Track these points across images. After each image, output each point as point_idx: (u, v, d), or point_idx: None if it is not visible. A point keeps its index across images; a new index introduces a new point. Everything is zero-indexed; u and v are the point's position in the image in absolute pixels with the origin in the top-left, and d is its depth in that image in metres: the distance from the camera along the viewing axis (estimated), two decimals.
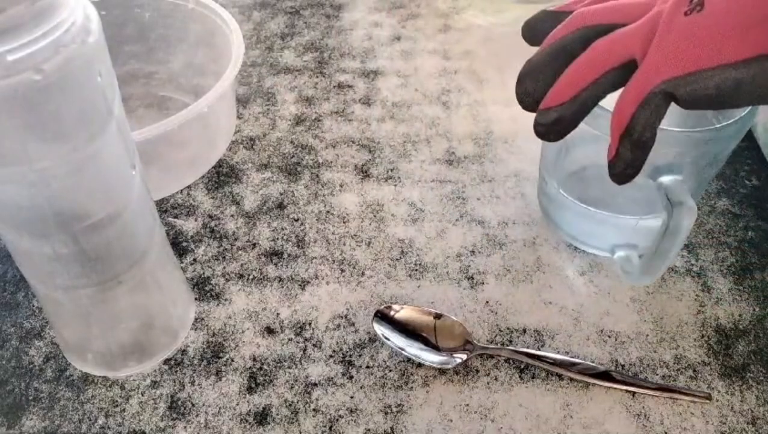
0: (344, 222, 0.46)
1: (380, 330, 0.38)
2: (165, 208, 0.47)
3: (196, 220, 0.46)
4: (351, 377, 0.38)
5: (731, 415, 0.36)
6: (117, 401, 0.37)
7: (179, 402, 0.37)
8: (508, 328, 0.40)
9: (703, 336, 0.39)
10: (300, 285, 0.42)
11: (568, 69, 0.32)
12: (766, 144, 0.50)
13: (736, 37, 0.27)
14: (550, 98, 0.32)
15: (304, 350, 0.39)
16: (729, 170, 0.50)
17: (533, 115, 0.33)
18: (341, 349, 0.39)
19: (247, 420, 0.36)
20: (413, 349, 0.38)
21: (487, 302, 0.41)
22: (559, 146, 0.41)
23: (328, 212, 0.47)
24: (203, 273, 0.43)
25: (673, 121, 0.35)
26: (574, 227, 0.44)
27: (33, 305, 0.41)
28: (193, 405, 0.36)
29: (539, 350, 0.39)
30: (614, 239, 0.42)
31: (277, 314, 0.41)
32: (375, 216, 0.47)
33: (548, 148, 0.43)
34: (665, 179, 0.35)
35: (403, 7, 0.68)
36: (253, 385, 0.37)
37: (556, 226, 0.45)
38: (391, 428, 0.35)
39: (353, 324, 0.40)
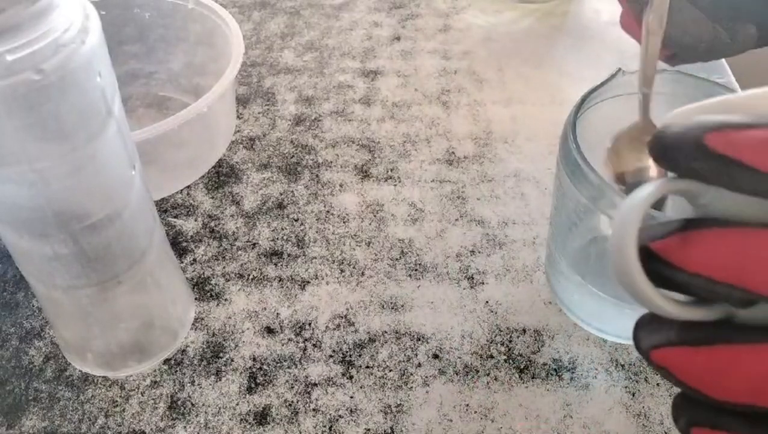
0: (344, 222, 0.46)
1: None
2: (165, 208, 0.47)
3: (196, 220, 0.46)
4: (351, 377, 0.38)
5: None
6: (117, 401, 0.37)
7: (179, 402, 0.37)
8: (508, 328, 0.40)
9: None
10: (300, 285, 0.42)
11: None
12: None
13: None
14: None
15: (304, 350, 0.39)
16: None
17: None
18: (341, 349, 0.39)
19: (247, 420, 0.36)
20: None
21: (487, 302, 0.41)
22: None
23: (328, 212, 0.47)
24: (203, 273, 0.43)
25: None
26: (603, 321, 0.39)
27: (33, 305, 0.41)
28: (193, 405, 0.36)
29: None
30: None
31: (277, 314, 0.41)
32: (375, 216, 0.46)
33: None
34: None
35: (403, 7, 0.68)
36: (253, 385, 0.37)
37: (577, 318, 0.40)
38: (391, 428, 0.35)
39: (353, 324, 0.40)
